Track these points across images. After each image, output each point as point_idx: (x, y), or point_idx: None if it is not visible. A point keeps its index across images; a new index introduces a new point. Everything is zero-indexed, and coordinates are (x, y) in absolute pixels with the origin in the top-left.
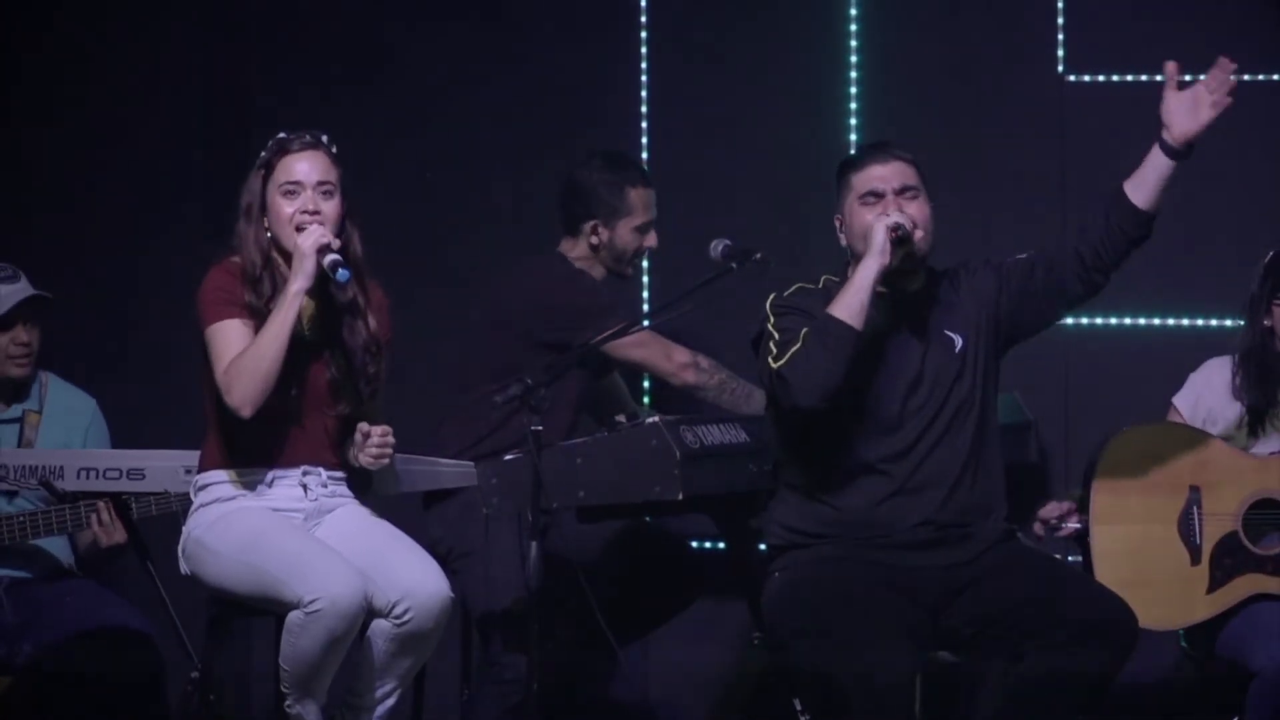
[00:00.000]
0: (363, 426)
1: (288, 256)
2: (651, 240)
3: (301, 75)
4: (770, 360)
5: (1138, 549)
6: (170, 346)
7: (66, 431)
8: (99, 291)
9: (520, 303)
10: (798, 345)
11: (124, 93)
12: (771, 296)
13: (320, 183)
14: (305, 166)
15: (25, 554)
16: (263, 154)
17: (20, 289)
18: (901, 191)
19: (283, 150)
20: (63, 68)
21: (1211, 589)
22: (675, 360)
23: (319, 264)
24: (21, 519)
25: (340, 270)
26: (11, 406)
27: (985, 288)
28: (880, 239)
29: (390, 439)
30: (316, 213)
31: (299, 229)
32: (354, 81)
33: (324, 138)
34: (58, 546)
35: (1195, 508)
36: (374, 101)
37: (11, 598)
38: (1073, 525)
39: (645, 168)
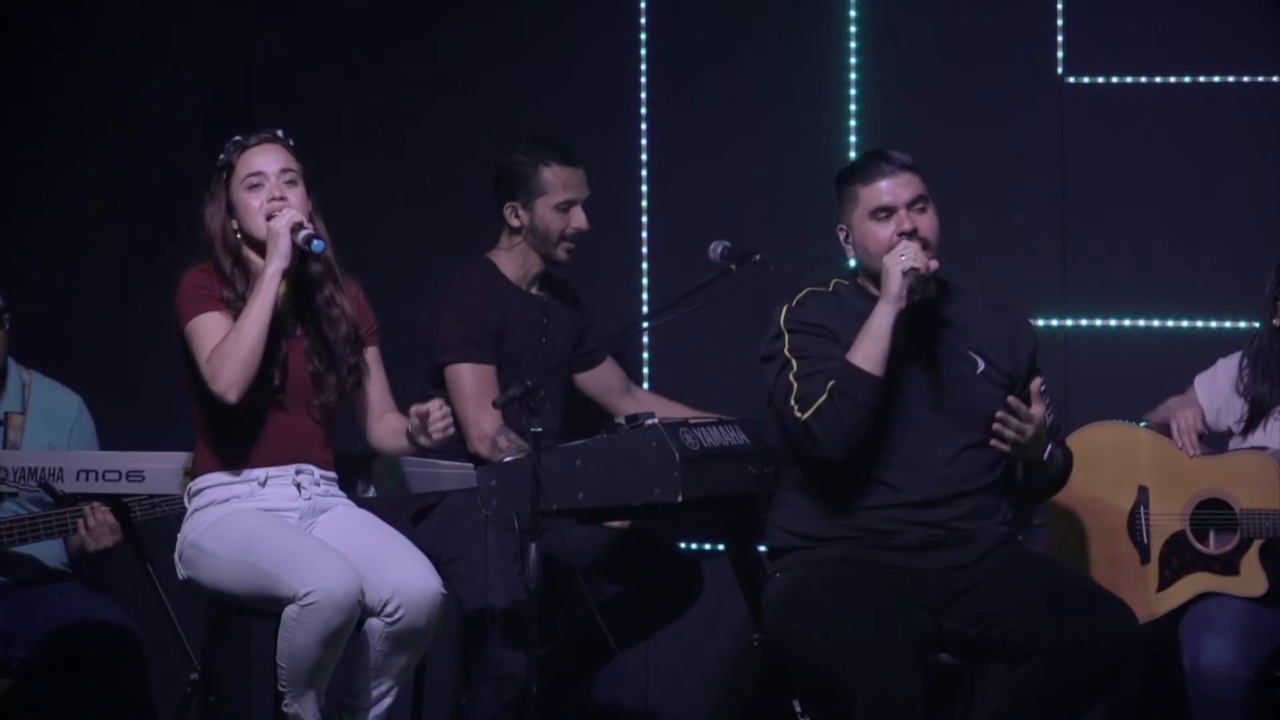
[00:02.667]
0: (418, 408)
1: (259, 249)
2: (578, 221)
3: (301, 75)
4: (795, 410)
5: (1090, 549)
6: (168, 349)
7: (52, 431)
8: (96, 293)
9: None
10: (824, 398)
11: (121, 92)
12: (784, 309)
13: (283, 170)
14: (266, 158)
15: (11, 561)
16: (221, 156)
17: None
18: (912, 204)
19: (242, 148)
20: (59, 67)
21: (1161, 587)
22: (479, 426)
23: (293, 242)
24: (10, 524)
25: (315, 241)
26: None
27: (1021, 355)
28: (896, 285)
29: (448, 409)
30: (284, 199)
31: (269, 216)
32: (352, 82)
33: (280, 132)
34: (49, 551)
35: (1142, 507)
36: (372, 102)
37: (3, 601)
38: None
39: (569, 148)
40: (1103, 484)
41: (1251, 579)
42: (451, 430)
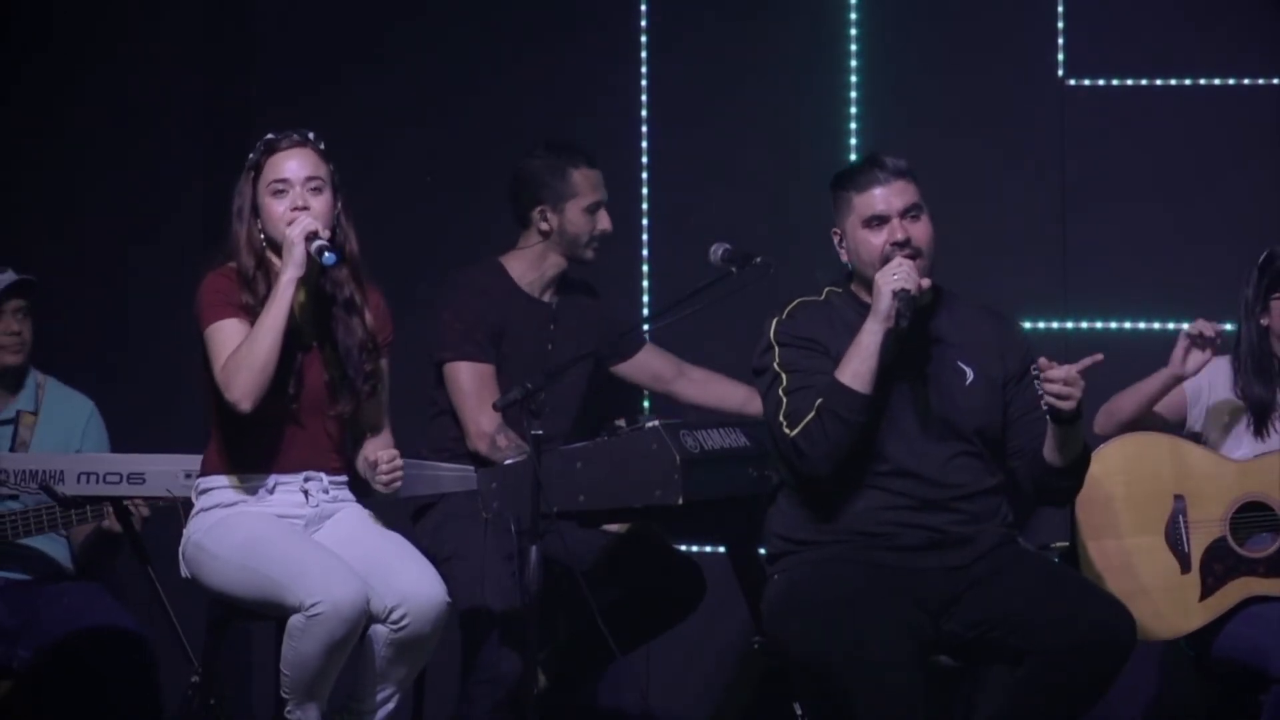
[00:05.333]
0: (368, 454)
1: (281, 254)
2: (604, 222)
3: (302, 75)
4: (784, 427)
5: (1126, 562)
6: (172, 350)
7: (64, 434)
8: (100, 294)
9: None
10: (811, 416)
11: (124, 94)
12: (774, 323)
13: (309, 178)
14: (294, 164)
15: (20, 556)
16: (251, 156)
17: (6, 278)
18: (905, 213)
19: (270, 150)
20: (61, 70)
21: (1204, 596)
22: (479, 425)
23: (307, 251)
24: (13, 517)
25: (326, 254)
26: (5, 407)
27: (1013, 365)
28: (885, 305)
29: (398, 463)
30: (307, 208)
31: (290, 224)
32: (353, 82)
33: (311, 135)
34: (57, 549)
35: (1181, 516)
36: (373, 102)
37: (7, 600)
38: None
39: (588, 149)
40: (1137, 495)
41: None
42: (399, 485)
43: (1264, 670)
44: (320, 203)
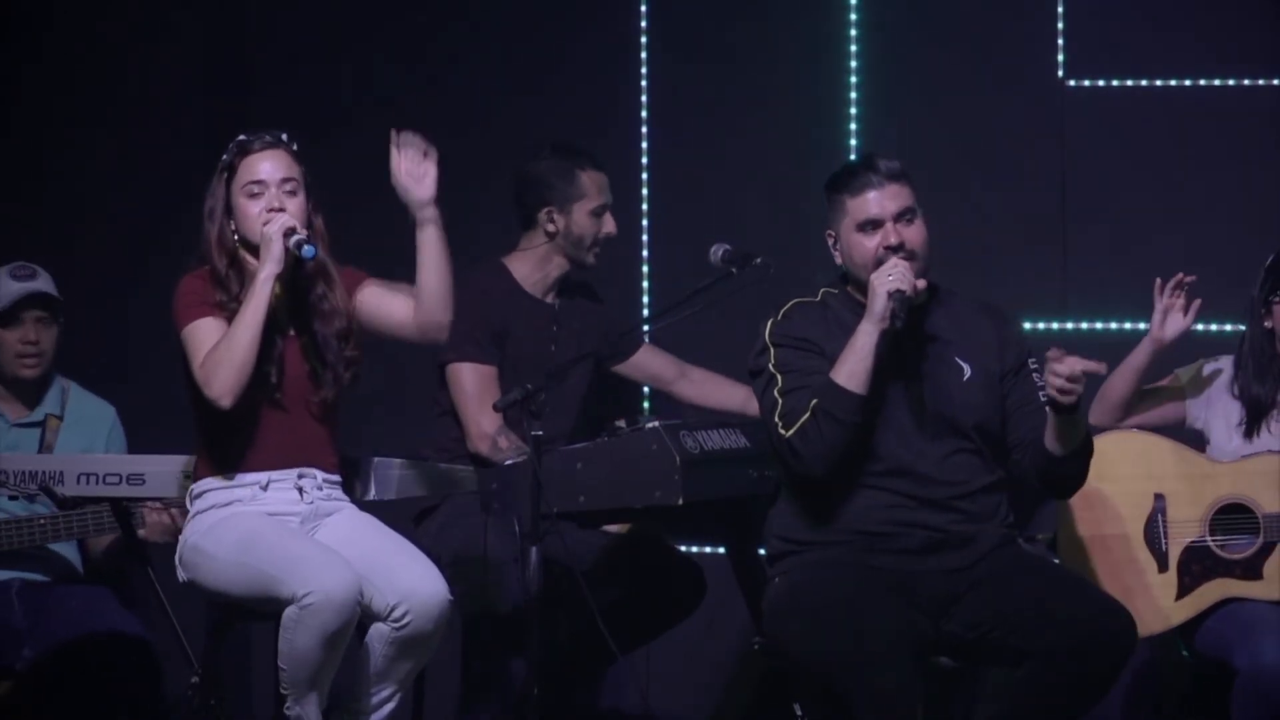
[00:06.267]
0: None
1: (256, 252)
2: (610, 226)
3: (301, 77)
4: (779, 427)
5: (1104, 558)
6: (172, 351)
7: (87, 438)
8: (100, 295)
9: None
10: (806, 416)
11: (128, 96)
12: (769, 324)
13: (284, 180)
14: (268, 166)
15: (41, 558)
16: (224, 157)
17: (27, 286)
18: (899, 217)
19: (244, 151)
20: (65, 74)
21: (1180, 595)
22: (480, 425)
23: (285, 246)
24: (41, 522)
25: (306, 247)
26: (33, 410)
27: (1009, 356)
28: (881, 306)
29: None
30: (281, 210)
31: (266, 223)
32: (353, 84)
33: (284, 136)
34: (70, 551)
35: (1160, 515)
36: (373, 103)
37: (22, 600)
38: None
39: (594, 152)
40: (1118, 493)
41: (1276, 583)
42: (432, 181)
43: (1228, 662)
44: (295, 204)
